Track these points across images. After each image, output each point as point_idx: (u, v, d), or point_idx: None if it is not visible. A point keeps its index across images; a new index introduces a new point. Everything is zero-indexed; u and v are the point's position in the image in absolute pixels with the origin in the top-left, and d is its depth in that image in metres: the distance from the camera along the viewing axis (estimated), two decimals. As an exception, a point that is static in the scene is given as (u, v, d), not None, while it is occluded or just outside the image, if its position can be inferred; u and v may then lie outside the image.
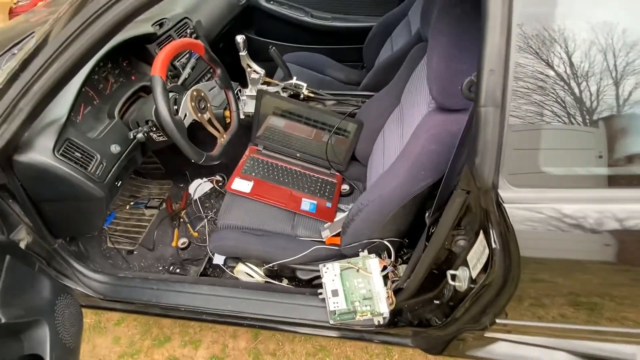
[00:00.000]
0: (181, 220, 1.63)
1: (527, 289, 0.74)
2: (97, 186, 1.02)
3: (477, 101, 0.60)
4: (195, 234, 1.57)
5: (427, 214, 0.91)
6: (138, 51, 1.34)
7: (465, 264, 0.82)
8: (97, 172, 1.03)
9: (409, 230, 1.09)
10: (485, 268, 0.76)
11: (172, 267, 1.43)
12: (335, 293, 1.09)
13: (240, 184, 1.37)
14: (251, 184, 1.37)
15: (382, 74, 1.54)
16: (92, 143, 1.04)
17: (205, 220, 1.60)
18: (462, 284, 0.83)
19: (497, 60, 0.57)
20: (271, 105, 1.46)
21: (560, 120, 0.61)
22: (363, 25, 2.07)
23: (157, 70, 0.98)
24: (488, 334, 0.90)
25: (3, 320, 0.78)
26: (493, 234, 0.70)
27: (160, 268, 1.47)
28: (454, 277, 0.85)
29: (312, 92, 1.57)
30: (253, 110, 1.52)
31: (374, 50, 1.90)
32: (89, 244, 1.39)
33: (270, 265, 1.22)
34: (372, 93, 1.49)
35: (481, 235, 0.75)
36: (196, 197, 1.69)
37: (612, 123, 0.61)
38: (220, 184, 1.71)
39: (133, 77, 1.33)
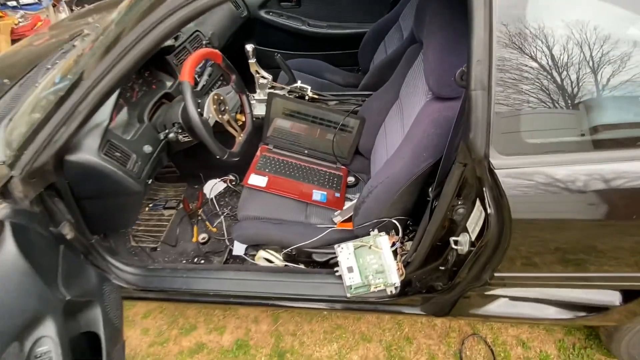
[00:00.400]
0: (199, 218, 1.75)
1: (519, 246, 0.88)
2: (135, 181, 1.14)
3: (468, 86, 0.75)
4: (214, 229, 1.68)
5: (430, 189, 1.05)
6: (158, 62, 1.47)
7: (465, 230, 0.96)
8: (134, 170, 1.15)
9: (413, 210, 1.23)
10: (482, 231, 0.89)
11: (196, 259, 1.54)
12: (350, 269, 1.22)
13: (256, 179, 1.49)
14: (266, 179, 1.50)
15: (379, 75, 1.69)
16: (128, 144, 1.16)
17: (222, 216, 1.72)
18: (463, 248, 0.96)
19: (482, 52, 0.71)
20: (280, 107, 1.60)
21: (543, 102, 0.75)
22: (357, 31, 2.23)
23: (186, 77, 1.11)
24: (489, 292, 1.04)
25: (68, 297, 0.89)
26: (487, 199, 0.84)
27: (184, 262, 1.58)
28: (456, 242, 0.98)
29: (316, 94, 1.71)
30: (262, 113, 1.65)
31: (369, 54, 2.05)
32: (117, 242, 1.50)
33: (289, 249, 1.34)
34: (371, 92, 1.63)
35: (477, 202, 0.89)
36: (212, 196, 1.81)
37: (587, 104, 0.76)
38: (234, 183, 1.84)
39: (154, 86, 1.46)
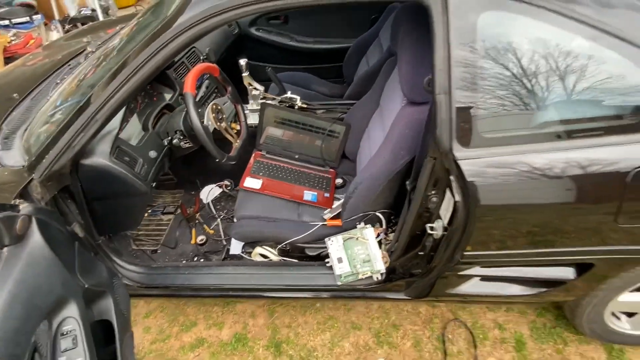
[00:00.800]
0: (197, 221, 1.85)
1: (483, 228, 1.02)
2: (142, 183, 1.25)
3: (434, 91, 0.90)
4: (212, 231, 1.78)
5: (407, 183, 1.19)
6: (158, 76, 1.59)
7: (439, 216, 1.10)
8: (141, 172, 1.26)
9: (395, 203, 1.36)
10: (452, 216, 1.03)
11: (195, 259, 1.64)
12: (340, 260, 1.34)
13: (251, 182, 1.61)
14: (260, 181, 1.62)
15: (361, 85, 1.85)
16: (135, 149, 1.28)
17: (219, 219, 1.82)
18: (438, 232, 1.10)
19: (443, 63, 0.87)
20: (272, 116, 1.73)
21: (497, 102, 0.90)
22: (341, 46, 2.40)
23: (189, 88, 1.24)
24: (462, 272, 1.17)
25: (86, 285, 0.99)
26: (454, 187, 0.98)
27: (184, 261, 1.67)
28: (432, 228, 1.12)
29: (305, 103, 1.85)
30: (255, 122, 1.79)
31: (352, 66, 2.22)
32: (120, 244, 1.59)
33: (284, 244, 1.45)
34: (355, 101, 1.79)
35: (447, 191, 1.03)
36: (208, 200, 1.91)
37: (534, 104, 0.91)
38: (229, 187, 1.95)
39: (155, 98, 1.58)
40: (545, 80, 0.88)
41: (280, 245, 1.47)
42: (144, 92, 1.54)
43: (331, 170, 1.79)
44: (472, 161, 0.92)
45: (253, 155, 1.79)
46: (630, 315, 1.33)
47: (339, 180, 1.75)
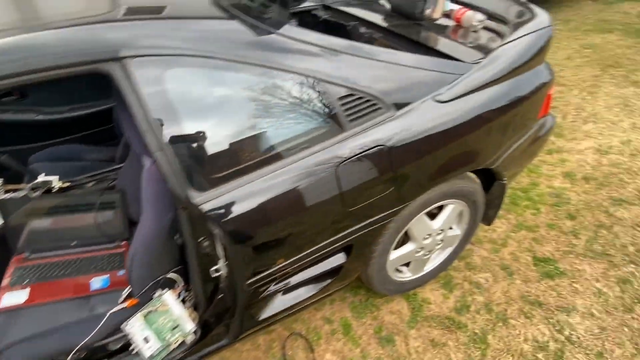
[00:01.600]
0: (-49, 377, 1.38)
1: (253, 251, 1.09)
2: None
3: (150, 151, 0.91)
4: (-23, 380, 1.36)
5: (175, 238, 1.18)
6: None
7: (218, 256, 1.12)
8: None
9: (183, 257, 1.33)
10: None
11: None
12: (146, 340, 1.22)
13: (12, 298, 1.31)
14: (26, 291, 1.34)
15: (126, 146, 1.75)
16: None
17: (-14, 359, 1.41)
18: (223, 271, 1.12)
19: (146, 124, 0.89)
20: (24, 210, 1.45)
21: (213, 146, 0.97)
22: (104, 107, 2.22)
23: None
24: (263, 295, 1.23)
25: None
26: (213, 229, 1.02)
27: None
28: (217, 270, 1.14)
29: (67, 181, 1.63)
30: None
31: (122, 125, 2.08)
32: None
33: (74, 352, 1.23)
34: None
35: (211, 232, 1.06)
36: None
37: (246, 140, 1.02)
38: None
39: None
40: (252, 117, 1.00)
41: (71, 356, 1.23)
42: None
43: (123, 242, 1.62)
44: (212, 202, 0.98)
45: (13, 261, 1.46)
46: (407, 265, 1.66)
47: (135, 251, 1.60)
